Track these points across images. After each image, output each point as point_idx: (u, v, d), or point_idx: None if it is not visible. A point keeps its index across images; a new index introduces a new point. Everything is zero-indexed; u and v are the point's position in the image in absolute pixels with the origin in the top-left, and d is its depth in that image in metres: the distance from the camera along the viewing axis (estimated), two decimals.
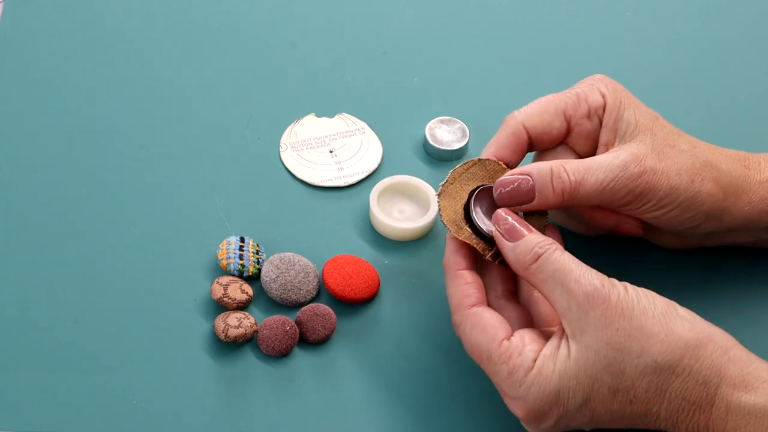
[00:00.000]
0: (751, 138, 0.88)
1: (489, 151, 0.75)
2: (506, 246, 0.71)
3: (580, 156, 0.76)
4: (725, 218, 0.76)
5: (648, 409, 0.66)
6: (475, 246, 0.72)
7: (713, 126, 0.88)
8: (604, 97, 0.75)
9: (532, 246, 0.69)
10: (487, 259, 0.72)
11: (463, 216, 0.73)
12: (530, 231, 0.70)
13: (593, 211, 0.76)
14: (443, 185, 0.73)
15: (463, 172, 0.74)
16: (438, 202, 0.73)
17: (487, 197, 0.73)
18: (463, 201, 0.73)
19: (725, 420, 0.65)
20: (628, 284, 0.68)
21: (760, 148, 0.80)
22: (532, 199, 0.72)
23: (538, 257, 0.69)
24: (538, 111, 0.75)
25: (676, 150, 0.74)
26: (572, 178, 0.72)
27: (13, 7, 0.93)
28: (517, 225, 0.71)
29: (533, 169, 0.73)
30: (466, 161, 0.74)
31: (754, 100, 0.92)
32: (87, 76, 0.89)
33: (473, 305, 0.70)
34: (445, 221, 0.72)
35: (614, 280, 0.68)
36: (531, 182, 0.72)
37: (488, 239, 0.72)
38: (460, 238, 0.72)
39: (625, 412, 0.67)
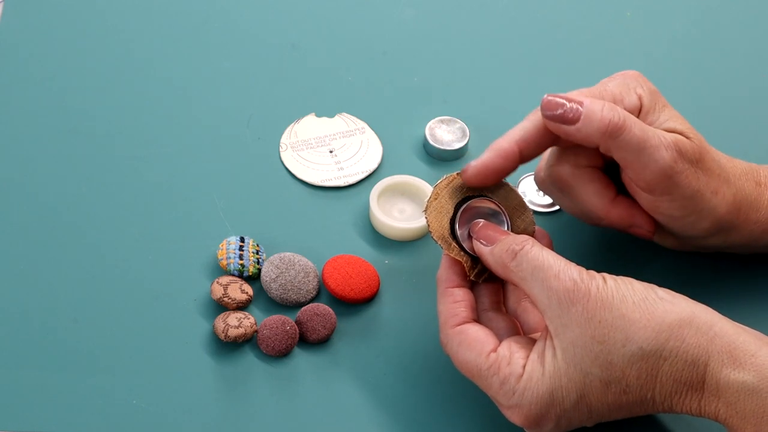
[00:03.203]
0: (751, 139, 0.88)
1: (515, 136, 0.73)
2: (485, 251, 0.71)
3: (605, 158, 0.75)
4: (732, 234, 0.76)
5: (643, 396, 0.66)
6: (463, 263, 0.72)
7: (713, 126, 0.88)
8: (640, 99, 0.74)
9: (508, 245, 0.69)
10: (471, 278, 0.72)
11: (449, 231, 0.73)
12: (506, 234, 0.70)
13: (612, 206, 0.75)
14: (428, 201, 0.73)
15: (447, 185, 0.74)
16: (425, 218, 0.73)
17: (473, 210, 0.73)
18: (450, 215, 0.73)
19: (717, 398, 0.65)
20: (606, 274, 0.68)
21: (759, 149, 0.80)
22: (575, 121, 0.71)
23: (515, 254, 0.69)
24: None
25: (707, 157, 0.73)
26: (622, 117, 0.70)
27: (13, 7, 0.93)
28: (493, 231, 0.71)
29: (586, 98, 0.71)
30: (447, 175, 0.74)
31: (754, 100, 0.92)
32: (87, 76, 0.89)
33: (458, 324, 0.70)
34: (434, 238, 0.72)
35: (593, 272, 0.67)
36: (580, 108, 0.71)
37: (476, 256, 0.73)
38: (450, 255, 0.72)
39: (622, 402, 0.67)
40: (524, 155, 0.73)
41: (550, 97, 0.72)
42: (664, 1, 0.98)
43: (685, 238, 0.76)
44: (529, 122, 0.73)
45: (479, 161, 0.72)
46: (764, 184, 0.76)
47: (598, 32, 0.96)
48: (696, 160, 0.72)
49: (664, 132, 0.72)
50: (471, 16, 0.96)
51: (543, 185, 0.78)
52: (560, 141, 0.74)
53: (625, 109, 0.73)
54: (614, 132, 0.70)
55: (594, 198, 0.75)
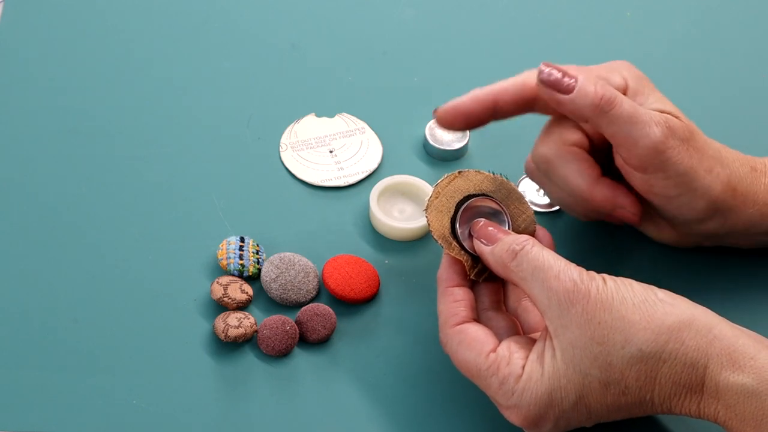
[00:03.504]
0: (751, 138, 0.88)
1: (493, 88, 0.75)
2: (485, 251, 0.71)
3: (589, 134, 0.76)
4: (731, 217, 0.75)
5: (641, 397, 0.66)
6: (464, 262, 0.72)
7: (713, 126, 0.88)
8: (625, 80, 0.75)
9: (508, 245, 0.69)
10: (471, 278, 0.72)
11: (450, 230, 0.73)
12: (507, 234, 0.71)
13: (596, 186, 0.75)
14: (429, 200, 0.73)
15: (447, 185, 0.74)
16: (426, 217, 0.73)
17: (474, 209, 0.73)
18: (451, 214, 0.73)
19: (716, 400, 0.65)
20: (606, 275, 0.68)
21: (759, 149, 0.80)
22: (570, 91, 0.72)
23: (515, 254, 0.69)
24: None
25: (697, 137, 0.74)
26: (614, 92, 0.72)
27: (13, 7, 0.93)
28: (494, 230, 0.71)
29: (580, 75, 0.73)
30: (447, 175, 0.74)
31: (754, 100, 0.92)
32: (87, 76, 0.89)
33: (458, 323, 0.70)
34: (435, 237, 0.72)
35: (593, 273, 0.68)
36: (574, 81, 0.72)
37: (477, 256, 0.73)
38: (450, 254, 0.72)
39: (620, 403, 0.67)
40: (498, 109, 0.75)
41: (547, 68, 0.73)
42: (664, 1, 0.98)
43: (683, 224, 0.76)
44: (511, 80, 0.75)
45: (451, 102, 0.74)
46: (760, 170, 0.76)
47: (598, 32, 0.96)
48: (687, 138, 0.73)
49: (653, 111, 0.73)
50: (471, 16, 0.96)
51: (531, 172, 0.78)
52: (537, 106, 0.76)
53: None
54: (606, 106, 0.71)
55: (578, 177, 0.75)
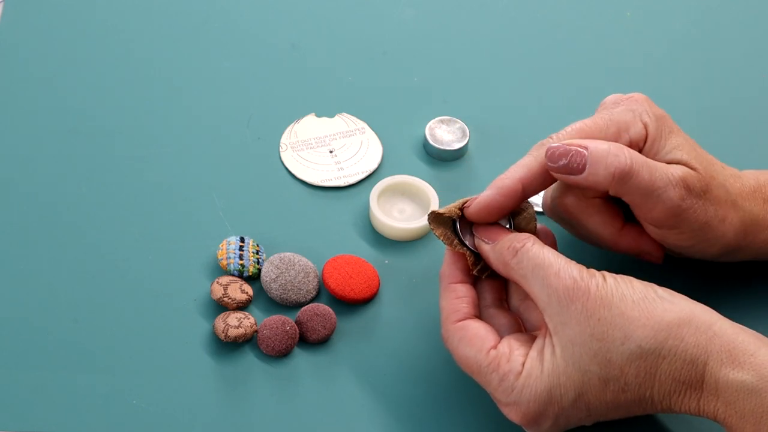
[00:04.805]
0: (751, 139, 0.88)
1: (517, 173, 0.72)
2: (486, 248, 0.71)
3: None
4: (740, 254, 0.76)
5: (641, 394, 0.66)
6: (467, 258, 0.72)
7: (713, 127, 0.88)
8: (646, 127, 0.73)
9: (509, 242, 0.69)
10: (474, 273, 0.72)
11: (452, 227, 0.73)
12: (508, 232, 0.70)
13: (620, 235, 0.74)
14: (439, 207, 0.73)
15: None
16: (430, 212, 0.73)
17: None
18: (454, 211, 0.73)
19: (716, 397, 0.65)
20: (606, 272, 0.68)
21: (759, 148, 0.80)
22: (582, 170, 0.70)
23: (516, 252, 0.69)
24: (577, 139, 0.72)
25: (713, 185, 0.73)
26: (629, 162, 0.70)
27: (13, 7, 0.93)
28: (495, 228, 0.71)
29: (590, 143, 0.70)
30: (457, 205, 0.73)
31: (755, 100, 0.92)
32: (87, 76, 0.89)
33: (460, 320, 0.70)
34: (437, 233, 0.72)
35: (593, 270, 0.68)
36: (585, 155, 0.70)
37: (479, 253, 0.73)
38: (453, 250, 0.72)
39: (620, 400, 0.67)
40: (527, 192, 0.72)
41: (553, 148, 0.71)
42: (664, 1, 0.98)
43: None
44: (531, 158, 0.72)
45: (482, 199, 0.71)
46: None
47: (598, 32, 0.96)
48: (703, 192, 0.72)
49: (670, 168, 0.71)
50: (471, 16, 0.96)
51: (551, 214, 0.77)
52: None
53: (630, 138, 0.72)
54: (623, 178, 0.70)
55: (601, 229, 0.74)
